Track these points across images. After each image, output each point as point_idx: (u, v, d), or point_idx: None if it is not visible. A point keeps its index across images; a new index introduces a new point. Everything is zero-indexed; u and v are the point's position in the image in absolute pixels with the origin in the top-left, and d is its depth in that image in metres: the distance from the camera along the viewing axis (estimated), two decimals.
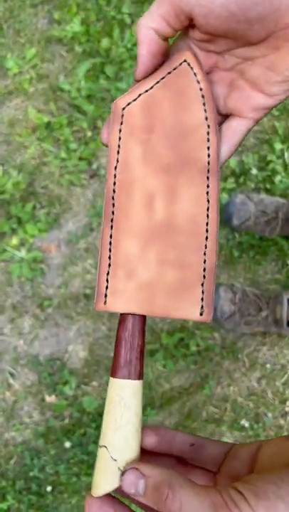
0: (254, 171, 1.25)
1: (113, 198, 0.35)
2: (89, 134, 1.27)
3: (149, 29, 0.32)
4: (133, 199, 0.34)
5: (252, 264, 1.24)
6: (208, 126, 0.34)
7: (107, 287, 0.34)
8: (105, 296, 0.34)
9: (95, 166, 1.26)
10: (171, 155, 0.34)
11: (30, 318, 1.24)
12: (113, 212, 0.35)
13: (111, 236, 0.34)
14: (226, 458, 0.34)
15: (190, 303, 0.34)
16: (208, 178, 0.34)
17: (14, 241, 1.24)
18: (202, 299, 0.34)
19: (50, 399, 1.23)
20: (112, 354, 1.19)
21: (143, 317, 0.35)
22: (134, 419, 0.33)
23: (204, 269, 0.34)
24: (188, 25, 0.32)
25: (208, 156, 0.34)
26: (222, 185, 1.24)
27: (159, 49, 0.33)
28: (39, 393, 1.23)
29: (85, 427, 1.22)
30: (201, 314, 0.34)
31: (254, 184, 1.25)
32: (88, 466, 1.21)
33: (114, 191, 0.35)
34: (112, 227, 0.35)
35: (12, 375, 1.23)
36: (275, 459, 0.31)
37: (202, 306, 0.34)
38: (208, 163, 0.34)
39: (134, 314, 0.34)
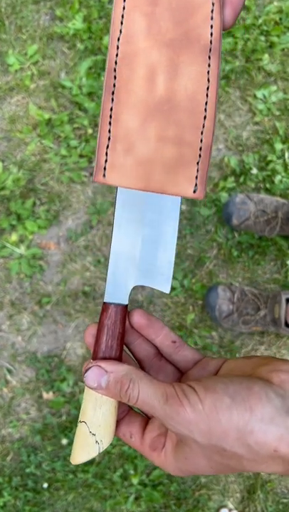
0: (254, 171, 1.25)
1: (115, 71, 0.34)
2: (90, 131, 1.26)
3: None
4: (135, 72, 0.34)
5: (251, 263, 1.24)
6: (213, 4, 0.33)
7: (106, 161, 0.35)
8: (104, 169, 0.35)
9: (95, 164, 1.26)
10: (174, 30, 0.34)
11: (29, 315, 1.24)
12: (114, 85, 0.34)
13: (111, 109, 0.34)
14: (195, 365, 0.38)
15: (185, 180, 0.35)
16: (209, 57, 0.34)
17: (13, 237, 1.24)
18: (196, 177, 0.35)
19: (48, 396, 1.23)
20: None
21: (125, 307, 0.36)
22: (112, 399, 0.35)
23: (200, 148, 0.35)
24: None
25: (211, 35, 0.34)
26: (222, 184, 1.24)
27: None
28: (36, 390, 1.23)
29: None
30: (194, 192, 0.35)
31: (254, 184, 1.25)
32: (85, 463, 1.22)
33: (116, 63, 0.34)
34: (112, 100, 0.34)
35: (10, 371, 1.23)
36: (233, 372, 0.35)
37: (196, 184, 0.35)
38: (211, 42, 0.34)
39: (116, 304, 0.36)
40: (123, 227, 0.36)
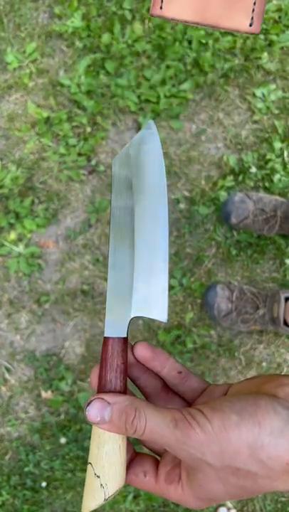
0: (253, 170, 1.25)
1: None
2: (88, 129, 1.26)
3: None
4: None
5: (250, 262, 1.24)
6: None
7: None
8: (161, 1, 0.34)
9: (93, 162, 1.26)
10: None
11: (27, 314, 1.24)
12: None
13: None
14: (202, 394, 0.37)
15: (241, 13, 0.34)
16: None
17: (12, 236, 1.24)
18: (253, 10, 0.34)
19: (46, 394, 1.23)
20: None
21: (124, 339, 0.35)
22: (117, 436, 0.33)
23: None
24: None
25: None
26: (221, 183, 1.24)
27: None
28: (35, 389, 1.23)
29: (81, 423, 1.22)
30: (250, 25, 0.34)
31: (253, 182, 1.25)
32: (84, 461, 1.21)
33: None
34: None
35: (8, 370, 1.23)
36: (239, 393, 0.34)
37: (252, 18, 0.34)
38: None
39: (115, 337, 0.35)
40: (118, 265, 0.37)
